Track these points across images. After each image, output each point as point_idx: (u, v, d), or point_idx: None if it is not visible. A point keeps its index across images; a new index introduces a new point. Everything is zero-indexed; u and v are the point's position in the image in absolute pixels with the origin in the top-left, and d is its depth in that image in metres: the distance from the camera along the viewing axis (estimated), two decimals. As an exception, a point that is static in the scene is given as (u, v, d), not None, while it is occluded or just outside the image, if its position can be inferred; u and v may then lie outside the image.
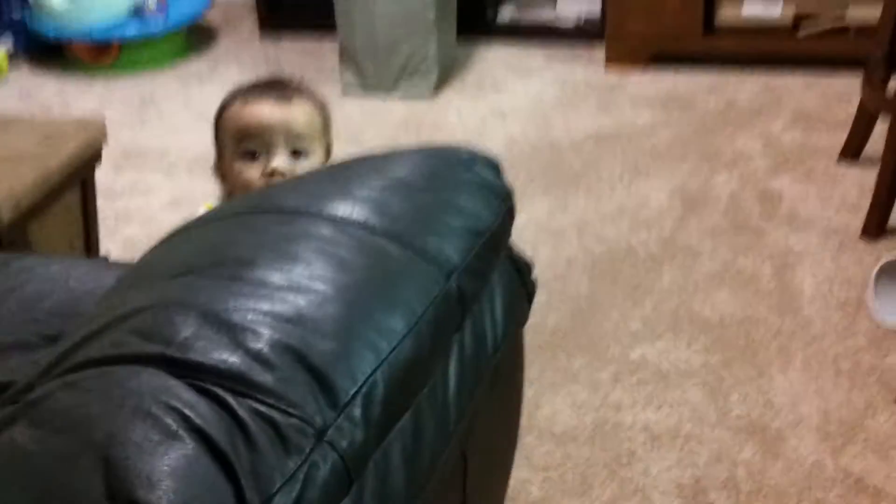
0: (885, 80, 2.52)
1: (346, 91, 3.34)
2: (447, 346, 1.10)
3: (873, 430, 1.90)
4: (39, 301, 1.39)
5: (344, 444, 0.91)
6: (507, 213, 1.24)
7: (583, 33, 3.61)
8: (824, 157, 2.82)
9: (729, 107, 3.14)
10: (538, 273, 2.56)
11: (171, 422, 0.85)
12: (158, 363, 0.91)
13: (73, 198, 2.30)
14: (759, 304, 2.26)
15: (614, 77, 3.36)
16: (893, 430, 1.90)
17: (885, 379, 2.02)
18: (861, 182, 2.65)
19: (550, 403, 2.00)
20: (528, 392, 2.02)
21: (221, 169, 1.51)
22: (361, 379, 0.95)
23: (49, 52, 3.61)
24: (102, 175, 2.55)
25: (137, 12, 3.50)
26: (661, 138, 2.98)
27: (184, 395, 0.88)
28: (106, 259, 2.19)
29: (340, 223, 1.09)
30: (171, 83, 3.48)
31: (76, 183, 2.28)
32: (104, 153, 2.46)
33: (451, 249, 1.13)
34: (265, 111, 1.46)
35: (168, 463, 0.83)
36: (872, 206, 2.48)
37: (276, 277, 1.00)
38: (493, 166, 1.28)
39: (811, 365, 2.07)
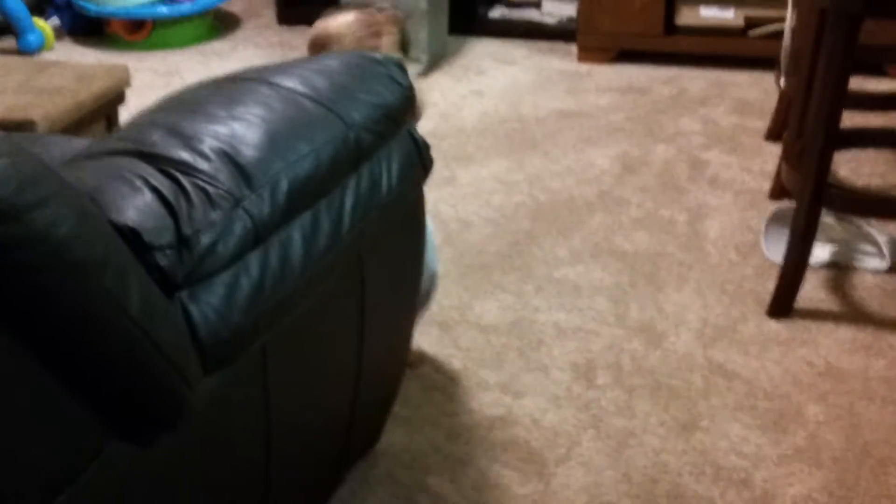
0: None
1: (347, 71, 3.79)
2: (345, 176, 1.51)
3: (741, 334, 2.29)
4: (62, 159, 1.82)
5: (255, 211, 1.33)
6: (406, 99, 1.66)
7: (563, 31, 4.04)
8: (753, 137, 3.23)
9: (679, 95, 3.55)
10: (490, 214, 2.97)
11: (136, 182, 1.28)
12: (133, 154, 1.34)
13: (99, 129, 2.75)
14: (669, 242, 2.66)
15: (584, 68, 3.79)
16: (757, 334, 2.29)
17: (761, 298, 2.40)
18: (778, 156, 3.04)
19: (480, 305, 2.41)
20: (464, 297, 2.44)
21: None
22: (271, 175, 1.37)
23: (90, 28, 4.10)
24: (127, 123, 3.01)
25: (169, -4, 3.98)
26: (615, 117, 3.39)
27: (147, 170, 1.31)
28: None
29: (275, 86, 1.51)
30: (196, 58, 3.95)
31: (103, 116, 2.73)
32: (131, 106, 2.92)
33: (356, 113, 1.55)
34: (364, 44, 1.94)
35: (132, 203, 1.25)
36: (778, 171, 2.87)
37: (221, 112, 1.43)
38: (402, 68, 1.70)
39: (702, 287, 2.47)
